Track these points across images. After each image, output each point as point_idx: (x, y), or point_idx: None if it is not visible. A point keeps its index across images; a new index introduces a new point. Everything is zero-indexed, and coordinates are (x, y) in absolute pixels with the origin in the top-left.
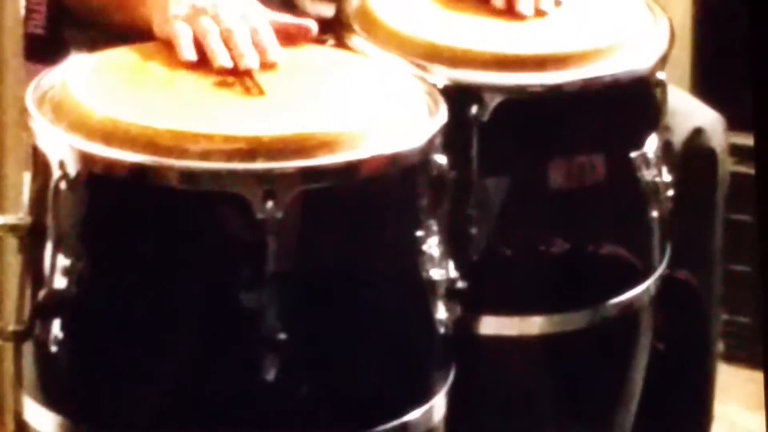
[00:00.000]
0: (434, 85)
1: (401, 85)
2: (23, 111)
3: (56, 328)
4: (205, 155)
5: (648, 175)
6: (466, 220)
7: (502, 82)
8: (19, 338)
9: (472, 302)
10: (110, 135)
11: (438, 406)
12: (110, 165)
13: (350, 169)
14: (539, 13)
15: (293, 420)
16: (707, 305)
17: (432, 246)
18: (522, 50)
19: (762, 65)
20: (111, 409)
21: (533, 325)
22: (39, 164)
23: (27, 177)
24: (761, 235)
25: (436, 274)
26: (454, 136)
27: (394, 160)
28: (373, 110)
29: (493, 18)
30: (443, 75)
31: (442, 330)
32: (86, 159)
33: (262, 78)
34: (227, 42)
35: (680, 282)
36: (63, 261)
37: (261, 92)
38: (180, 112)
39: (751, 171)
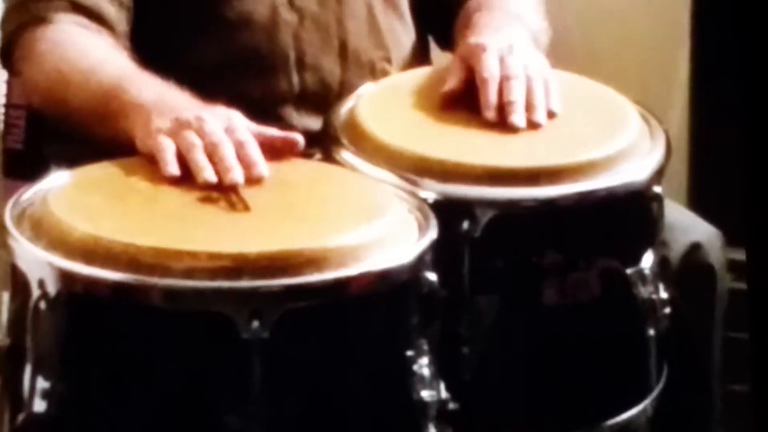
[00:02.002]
0: (424, 200)
1: (390, 200)
2: (1, 229)
3: None
4: (188, 273)
5: (644, 291)
6: (458, 339)
7: (494, 196)
8: None
9: (464, 424)
10: (91, 253)
11: None
12: (91, 284)
13: (338, 286)
14: (532, 125)
15: None
16: (706, 426)
17: (422, 366)
18: (515, 163)
19: (755, 183)
20: None
21: None
22: (18, 283)
23: (5, 296)
24: (755, 352)
25: (426, 395)
26: (444, 252)
27: (382, 277)
28: (361, 226)
29: (485, 130)
30: (433, 189)
31: None
32: (66, 278)
33: (247, 193)
34: (212, 156)
35: (678, 400)
36: (42, 383)
37: (246, 208)
38: (163, 229)
39: None
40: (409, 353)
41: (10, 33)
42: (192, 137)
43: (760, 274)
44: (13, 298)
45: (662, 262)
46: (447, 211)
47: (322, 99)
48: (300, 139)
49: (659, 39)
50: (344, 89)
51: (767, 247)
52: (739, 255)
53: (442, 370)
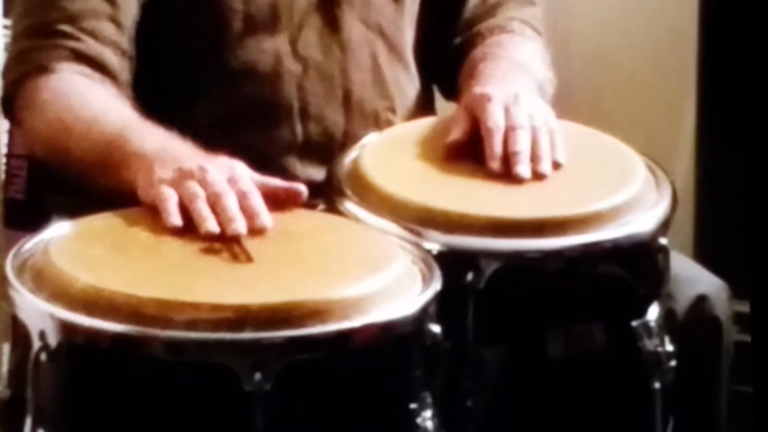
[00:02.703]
0: (428, 251)
1: (394, 252)
2: (2, 280)
3: None
4: (190, 325)
5: (650, 344)
6: (462, 392)
7: (499, 247)
8: None
9: None
10: (93, 304)
11: None
12: (93, 335)
13: (341, 338)
14: (538, 176)
15: None
16: None
17: (426, 419)
18: (520, 215)
19: (759, 236)
20: None
21: None
22: (18, 335)
23: (6, 348)
24: (759, 404)
25: None
26: (448, 304)
27: (386, 329)
28: (365, 278)
29: (490, 181)
30: (438, 240)
31: None
32: (68, 329)
33: (250, 244)
34: (214, 207)
35: None
36: None
37: (249, 259)
38: (165, 280)
39: None
40: (413, 406)
41: (12, 82)
42: (195, 187)
43: (765, 326)
44: (13, 350)
45: (668, 315)
46: (451, 262)
47: (326, 149)
48: (303, 189)
49: (666, 90)
50: (348, 139)
51: None
52: (745, 307)
53: (445, 424)
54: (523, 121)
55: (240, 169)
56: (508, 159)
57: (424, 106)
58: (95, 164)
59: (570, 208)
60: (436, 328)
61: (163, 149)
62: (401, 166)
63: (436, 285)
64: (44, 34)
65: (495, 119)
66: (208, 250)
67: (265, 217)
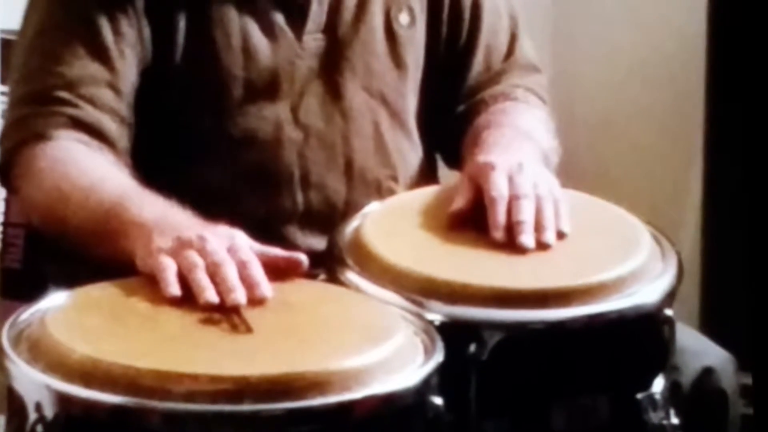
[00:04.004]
0: (431, 322)
1: (396, 323)
2: None
3: None
4: (189, 396)
5: (655, 417)
6: None
7: (502, 318)
8: None
9: None
10: (90, 375)
11: None
12: (90, 407)
13: (342, 411)
14: (541, 246)
15: None
16: None
17: None
18: (523, 285)
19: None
20: None
21: None
22: (14, 406)
23: (1, 420)
24: None
25: None
26: (451, 376)
27: (387, 401)
28: (366, 349)
29: (493, 251)
30: (440, 311)
31: None
32: (64, 400)
33: (249, 314)
34: (213, 276)
35: None
36: None
37: (248, 330)
38: (163, 351)
39: None
40: None
41: (9, 150)
42: (194, 257)
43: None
44: (9, 422)
45: (673, 387)
46: (454, 333)
47: (327, 218)
48: (304, 259)
49: (671, 158)
50: (349, 208)
51: None
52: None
53: None
54: (527, 190)
55: (240, 238)
56: (511, 229)
57: (426, 175)
58: (93, 233)
59: (574, 279)
60: (438, 400)
61: (161, 218)
62: (403, 236)
63: (438, 356)
64: (42, 101)
65: (499, 188)
66: (207, 321)
67: (265, 287)
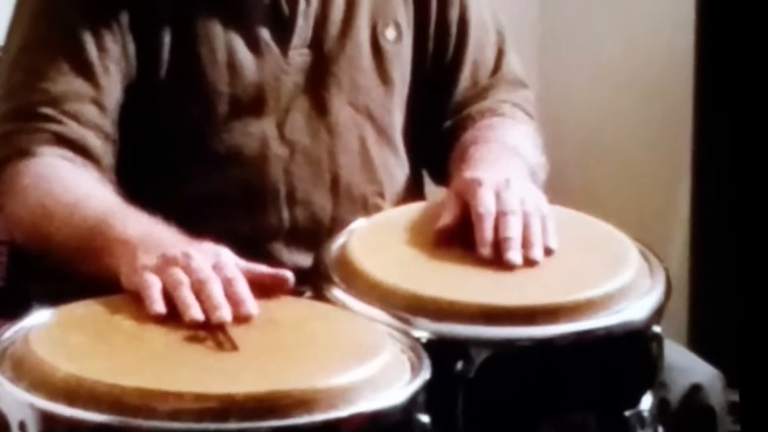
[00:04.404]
0: (417, 339)
1: (382, 340)
2: None
3: None
4: (174, 415)
5: None
6: None
7: (490, 335)
8: None
9: None
10: (74, 393)
11: None
12: (74, 425)
13: (328, 429)
14: (529, 262)
15: None
16: None
17: None
18: (510, 302)
19: (748, 324)
20: None
21: None
22: None
23: None
24: None
25: None
26: (438, 393)
27: (373, 419)
28: (352, 366)
29: (480, 268)
30: (427, 328)
31: None
32: (48, 419)
33: (235, 332)
34: (199, 294)
35: None
36: None
37: (234, 347)
38: (148, 369)
39: None
40: None
41: None
42: (179, 274)
43: (755, 415)
44: None
45: (662, 404)
46: (441, 350)
47: (313, 235)
48: (290, 276)
49: (659, 175)
50: (336, 225)
51: (762, 388)
52: None
53: None
54: (515, 207)
55: (225, 255)
56: (498, 245)
57: (413, 191)
58: (77, 250)
59: (562, 296)
60: (425, 418)
61: (146, 235)
62: (390, 252)
63: (425, 374)
64: (26, 117)
65: (486, 204)
66: (192, 339)
67: (251, 304)
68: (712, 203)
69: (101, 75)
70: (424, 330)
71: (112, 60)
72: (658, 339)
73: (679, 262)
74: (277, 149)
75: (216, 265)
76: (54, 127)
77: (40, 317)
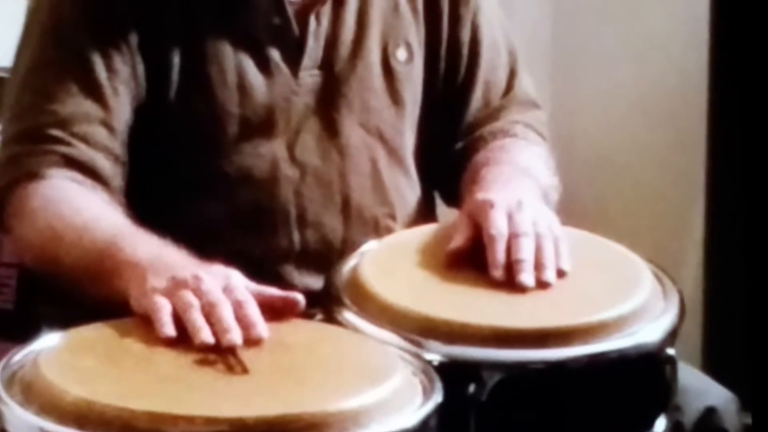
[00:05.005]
0: (429, 362)
1: (394, 363)
2: None
3: None
4: None
5: None
6: None
7: (502, 358)
8: None
9: None
10: (84, 418)
11: None
12: None
13: None
14: (541, 284)
15: None
16: None
17: None
18: (523, 324)
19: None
20: None
21: None
22: None
23: None
24: None
25: None
26: (450, 416)
27: None
28: (364, 390)
29: (492, 290)
30: (439, 351)
31: None
32: None
33: (245, 355)
34: (209, 317)
35: None
36: None
37: (245, 370)
38: (158, 392)
39: None
40: None
41: (2, 189)
42: (189, 297)
43: None
44: None
45: (676, 428)
46: (453, 373)
47: (324, 257)
48: (300, 298)
49: (673, 196)
50: (347, 247)
51: None
52: None
53: None
54: (527, 228)
55: (235, 277)
56: (511, 267)
57: (424, 213)
58: (87, 273)
59: (574, 318)
60: None
61: (156, 258)
62: (401, 275)
63: (437, 397)
64: (34, 140)
65: (498, 226)
66: (203, 362)
67: (261, 327)
68: (725, 224)
69: (110, 96)
70: (435, 353)
71: (122, 81)
72: (671, 361)
73: (693, 284)
74: (288, 171)
75: (226, 288)
76: (63, 149)
77: (49, 340)
